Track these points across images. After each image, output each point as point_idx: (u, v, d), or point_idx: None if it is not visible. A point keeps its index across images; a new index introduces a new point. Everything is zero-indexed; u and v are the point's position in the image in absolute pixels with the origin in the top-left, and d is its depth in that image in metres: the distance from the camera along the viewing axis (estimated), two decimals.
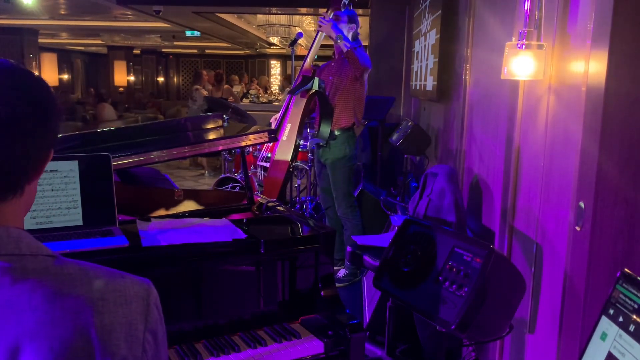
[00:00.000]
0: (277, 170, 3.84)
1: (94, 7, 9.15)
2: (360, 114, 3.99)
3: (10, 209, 0.80)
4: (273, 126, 4.12)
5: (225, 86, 9.80)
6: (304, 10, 8.37)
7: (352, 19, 4.02)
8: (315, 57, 4.28)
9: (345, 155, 3.93)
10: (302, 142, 3.92)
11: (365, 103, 4.10)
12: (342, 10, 4.04)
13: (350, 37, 3.95)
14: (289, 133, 3.86)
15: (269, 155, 4.74)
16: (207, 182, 7.79)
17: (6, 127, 0.76)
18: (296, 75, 4.35)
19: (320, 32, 4.05)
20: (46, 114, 0.82)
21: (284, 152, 3.86)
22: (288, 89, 10.37)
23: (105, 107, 10.82)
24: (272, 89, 14.28)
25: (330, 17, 3.98)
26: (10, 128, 0.76)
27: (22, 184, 0.81)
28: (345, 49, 3.80)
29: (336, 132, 3.91)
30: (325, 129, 3.88)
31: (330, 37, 3.85)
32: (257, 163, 4.92)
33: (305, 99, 3.84)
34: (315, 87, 3.76)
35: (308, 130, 4.54)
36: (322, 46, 4.28)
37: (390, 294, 1.93)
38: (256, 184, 4.82)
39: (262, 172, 4.84)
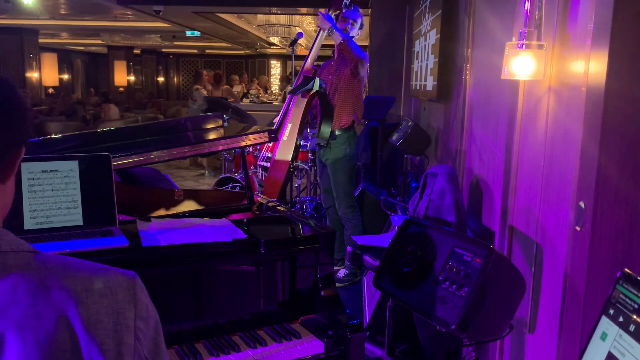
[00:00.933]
0: (278, 170, 3.84)
1: (94, 7, 9.15)
2: (359, 111, 4.00)
3: None
4: (276, 126, 4.12)
5: (225, 86, 9.79)
6: (304, 10, 8.37)
7: (362, 25, 4.07)
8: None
9: (346, 155, 3.93)
10: (302, 142, 3.92)
11: (364, 103, 4.10)
12: (343, 10, 4.05)
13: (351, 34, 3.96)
14: (289, 133, 3.87)
15: (269, 155, 4.74)
16: (207, 182, 7.79)
17: None
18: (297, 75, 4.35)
19: (321, 32, 4.05)
20: (9, 109, 0.82)
21: (285, 152, 3.86)
22: (288, 88, 10.34)
23: (111, 108, 10.93)
24: (272, 89, 14.28)
25: (332, 15, 3.99)
26: None
27: None
28: (337, 41, 3.82)
29: (337, 132, 3.92)
30: (325, 130, 3.89)
31: (323, 29, 3.89)
32: (258, 163, 4.92)
33: (306, 99, 3.84)
34: (316, 87, 3.76)
35: (308, 130, 4.54)
36: (323, 46, 4.28)
37: (390, 294, 1.93)
38: (257, 184, 4.83)
39: (263, 172, 4.84)
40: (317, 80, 3.78)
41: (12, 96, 0.83)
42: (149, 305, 0.84)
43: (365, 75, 4.04)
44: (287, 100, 4.19)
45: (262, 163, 4.85)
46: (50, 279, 0.77)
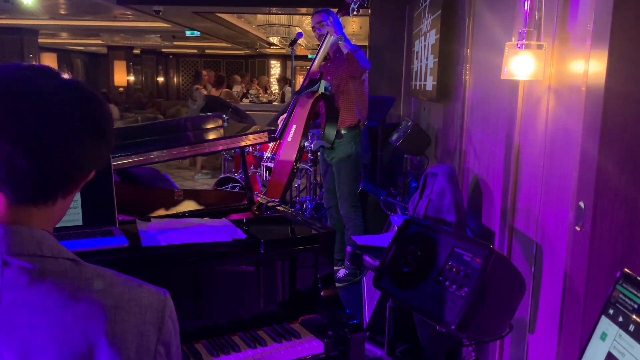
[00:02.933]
0: (282, 171, 3.84)
1: (94, 7, 9.14)
2: (364, 111, 3.98)
3: (39, 214, 0.80)
4: (279, 126, 4.11)
5: (225, 90, 9.78)
6: (304, 10, 8.37)
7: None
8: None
9: (351, 154, 3.92)
10: (306, 143, 3.91)
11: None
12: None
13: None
14: (294, 134, 3.86)
15: (268, 154, 4.73)
16: (207, 182, 7.79)
17: (60, 138, 0.76)
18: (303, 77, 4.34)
19: (328, 36, 4.03)
20: (100, 131, 0.82)
21: (289, 153, 3.86)
22: (287, 88, 10.26)
23: (110, 108, 10.93)
24: (272, 89, 14.28)
25: (340, 19, 3.98)
26: (63, 140, 0.77)
27: (57, 195, 0.81)
28: (345, 51, 3.80)
29: (342, 132, 3.91)
30: (330, 132, 3.88)
31: (333, 36, 3.87)
32: (263, 164, 4.92)
33: (311, 101, 3.84)
34: (321, 90, 3.76)
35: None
36: None
37: (390, 294, 1.93)
38: (260, 184, 4.82)
39: (267, 173, 4.83)
40: (323, 82, 3.77)
41: (103, 119, 0.83)
42: (172, 329, 0.83)
43: (366, 76, 4.03)
44: (292, 101, 4.18)
45: (266, 164, 4.85)
46: (83, 291, 0.76)
